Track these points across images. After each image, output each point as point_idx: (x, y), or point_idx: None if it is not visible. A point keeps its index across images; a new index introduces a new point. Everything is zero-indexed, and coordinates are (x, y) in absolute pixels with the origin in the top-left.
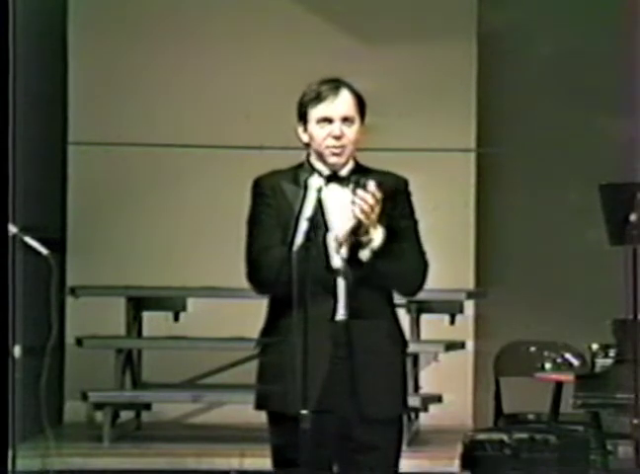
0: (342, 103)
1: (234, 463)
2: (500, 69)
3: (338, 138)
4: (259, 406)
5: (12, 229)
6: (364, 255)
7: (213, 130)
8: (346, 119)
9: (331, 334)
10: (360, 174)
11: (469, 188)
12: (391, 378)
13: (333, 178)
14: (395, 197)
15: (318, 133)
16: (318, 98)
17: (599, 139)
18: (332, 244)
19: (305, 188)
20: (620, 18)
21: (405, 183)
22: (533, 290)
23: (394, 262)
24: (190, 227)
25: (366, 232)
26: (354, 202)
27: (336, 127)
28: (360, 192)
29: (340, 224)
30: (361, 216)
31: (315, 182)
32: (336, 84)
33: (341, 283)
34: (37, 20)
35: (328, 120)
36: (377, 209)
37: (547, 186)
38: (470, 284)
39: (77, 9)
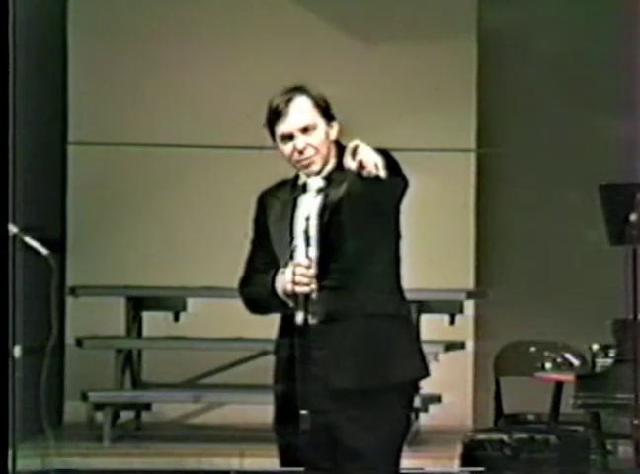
0: (297, 114)
1: (234, 463)
2: (500, 69)
3: (302, 152)
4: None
5: (12, 229)
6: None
7: (213, 130)
8: (306, 130)
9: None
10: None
11: (469, 188)
12: (358, 349)
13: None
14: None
15: (285, 150)
16: (275, 116)
17: (599, 139)
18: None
19: (304, 190)
20: (620, 18)
21: None
22: (533, 290)
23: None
24: (190, 227)
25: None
26: (360, 172)
27: (298, 142)
28: (357, 159)
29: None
30: (373, 169)
31: (315, 183)
32: (288, 96)
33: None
34: (37, 20)
35: (289, 137)
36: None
37: (547, 186)
38: (470, 284)
39: (77, 9)
